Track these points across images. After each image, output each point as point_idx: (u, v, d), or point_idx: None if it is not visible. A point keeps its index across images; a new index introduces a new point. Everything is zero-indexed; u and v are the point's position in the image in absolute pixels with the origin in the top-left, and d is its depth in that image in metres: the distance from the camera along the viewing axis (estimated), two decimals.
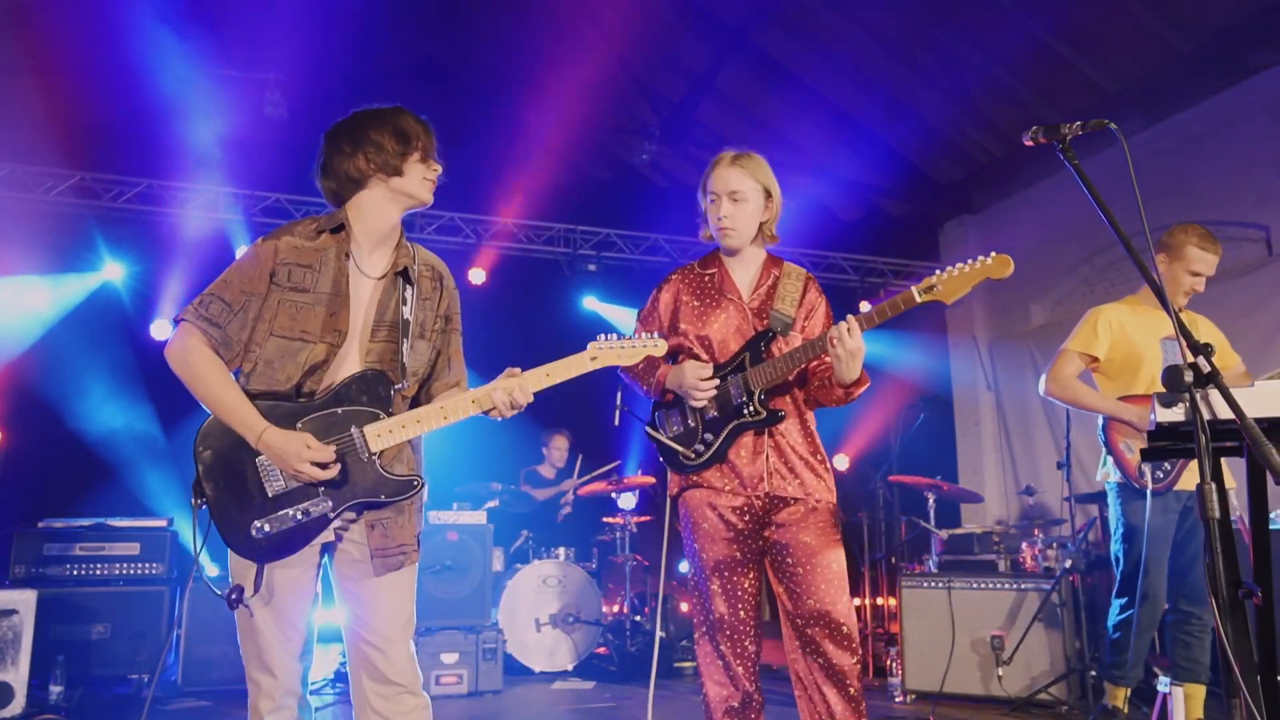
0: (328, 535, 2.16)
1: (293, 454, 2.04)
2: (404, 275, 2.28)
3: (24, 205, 6.50)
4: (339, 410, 2.14)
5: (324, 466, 2.08)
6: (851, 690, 2.52)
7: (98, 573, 5.05)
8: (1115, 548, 3.76)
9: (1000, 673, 4.58)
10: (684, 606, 6.71)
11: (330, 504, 2.12)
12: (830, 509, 2.63)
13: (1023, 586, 4.70)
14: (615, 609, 6.28)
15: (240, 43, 6.57)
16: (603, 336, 2.31)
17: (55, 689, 4.43)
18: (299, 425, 2.10)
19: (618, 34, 7.03)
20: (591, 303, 8.25)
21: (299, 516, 2.10)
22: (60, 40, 6.38)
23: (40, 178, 6.54)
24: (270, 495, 2.10)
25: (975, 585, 4.80)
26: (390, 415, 2.17)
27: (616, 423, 5.71)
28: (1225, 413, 1.79)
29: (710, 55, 7.45)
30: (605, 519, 6.54)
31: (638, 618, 6.07)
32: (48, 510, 5.21)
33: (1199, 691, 3.57)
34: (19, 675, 4.17)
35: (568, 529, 6.91)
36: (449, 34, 7.28)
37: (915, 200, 8.37)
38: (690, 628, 6.49)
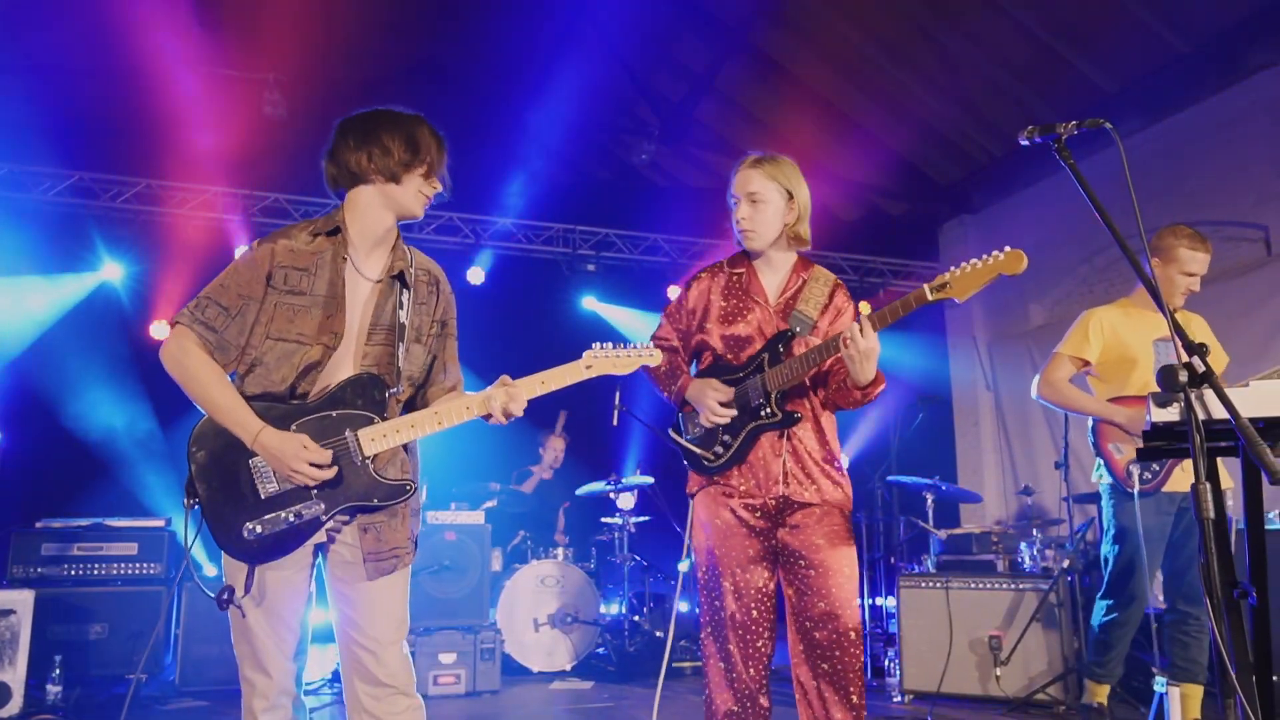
0: (320, 537, 2.16)
1: (290, 455, 2.04)
2: (400, 279, 2.27)
3: (23, 205, 6.50)
4: (334, 413, 2.13)
5: (320, 468, 2.08)
6: (854, 699, 2.51)
7: (95, 573, 5.04)
8: (1105, 549, 3.78)
9: (998, 673, 4.58)
10: (683, 606, 6.71)
11: (323, 507, 2.12)
12: (844, 514, 2.62)
13: (1021, 587, 4.70)
14: (613, 609, 6.28)
15: (239, 42, 6.57)
16: (598, 345, 2.30)
17: (53, 689, 4.43)
18: (293, 427, 2.10)
19: (617, 34, 7.04)
20: (590, 303, 8.24)
21: (291, 519, 2.10)
22: (59, 40, 6.38)
23: (39, 177, 6.55)
24: (263, 497, 2.10)
25: (973, 585, 4.79)
26: (384, 419, 2.17)
27: (615, 423, 5.74)
28: (1221, 413, 1.78)
29: (710, 55, 7.45)
30: (604, 519, 6.54)
31: (636, 618, 6.06)
32: (45, 510, 5.21)
33: (1197, 692, 3.58)
34: (16, 675, 4.18)
35: (568, 526, 6.91)
36: (448, 33, 7.28)
37: (915, 200, 8.37)
38: (690, 628, 6.49)
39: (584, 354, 2.28)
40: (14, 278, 6.48)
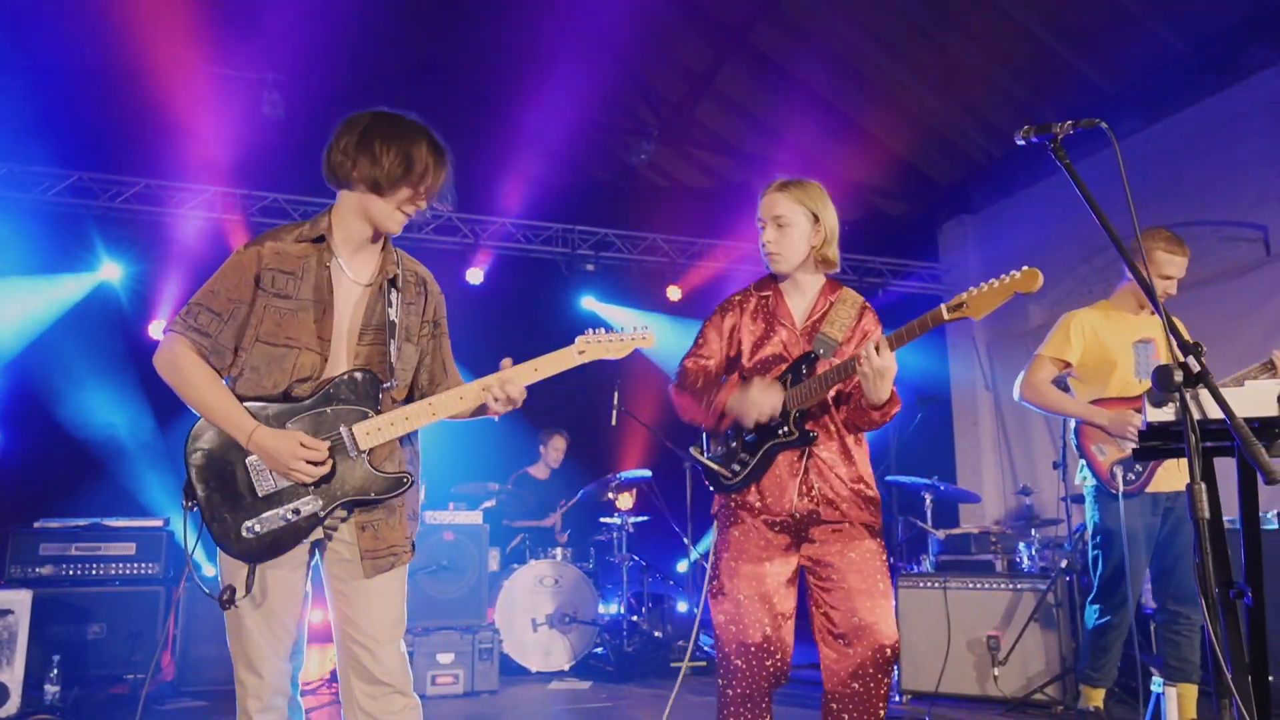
0: (317, 534, 2.16)
1: (286, 452, 2.05)
2: (391, 281, 2.27)
3: (21, 205, 6.50)
4: (328, 410, 2.14)
5: (316, 464, 2.08)
6: (880, 713, 2.51)
7: (93, 573, 5.04)
8: (1092, 552, 3.80)
9: (996, 673, 4.58)
10: (681, 606, 6.71)
11: (320, 502, 2.12)
12: (873, 532, 2.59)
13: (1019, 587, 4.70)
14: (612, 609, 6.28)
15: (238, 42, 6.57)
16: (590, 331, 2.30)
17: (51, 689, 4.43)
18: (288, 425, 2.11)
19: (617, 33, 7.03)
20: (590, 303, 8.24)
21: (289, 515, 2.10)
22: (59, 40, 6.38)
23: (38, 177, 6.54)
24: (260, 495, 2.11)
25: (971, 585, 4.79)
26: (379, 414, 2.17)
27: (614, 422, 5.74)
28: (1216, 413, 1.78)
29: (709, 55, 7.45)
30: (602, 519, 6.54)
31: (634, 618, 6.06)
32: (44, 510, 5.20)
33: (1191, 691, 3.59)
34: (14, 675, 4.18)
35: (565, 526, 6.91)
36: (447, 33, 7.28)
37: (914, 200, 8.37)
38: (689, 629, 6.50)
39: (576, 339, 2.29)
40: (13, 277, 6.48)
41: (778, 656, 2.58)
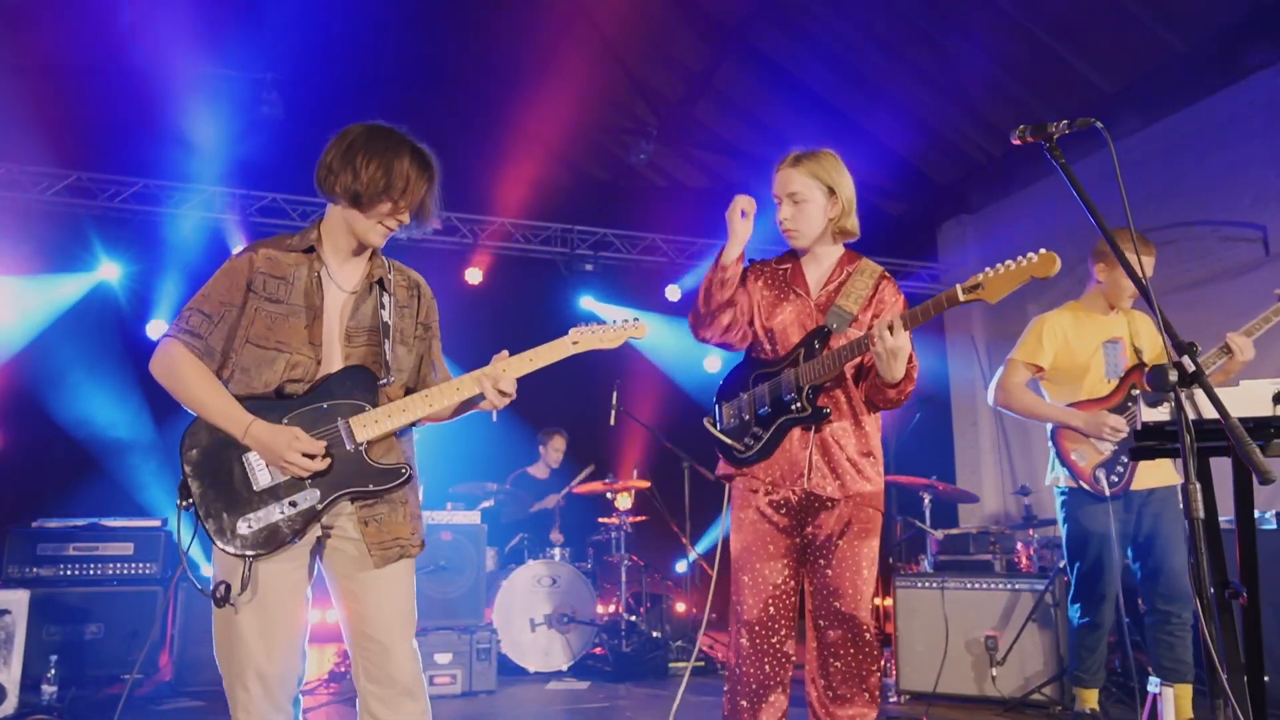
0: (316, 530, 2.15)
1: (282, 444, 2.05)
2: (380, 284, 2.29)
3: (20, 205, 6.50)
4: (324, 404, 2.15)
5: (313, 457, 2.08)
6: (865, 696, 2.53)
7: (91, 573, 5.03)
8: (1067, 554, 3.82)
9: (994, 673, 4.57)
10: (680, 607, 6.71)
11: (318, 495, 2.12)
12: (872, 510, 2.61)
13: (1016, 587, 4.69)
14: (610, 609, 6.27)
15: (237, 42, 6.57)
16: (583, 324, 2.35)
17: (48, 689, 4.42)
18: (285, 420, 2.11)
19: (616, 33, 7.03)
20: (588, 303, 8.23)
21: (287, 509, 2.10)
22: (57, 39, 6.38)
23: (36, 177, 6.54)
24: (257, 489, 2.10)
25: (969, 585, 4.79)
26: (375, 407, 2.18)
27: (613, 423, 5.74)
28: (1211, 412, 1.78)
29: (708, 55, 7.45)
30: (600, 519, 6.54)
31: (633, 618, 6.06)
32: (41, 510, 5.20)
33: (1186, 690, 3.60)
34: (12, 675, 4.17)
35: (565, 527, 6.91)
36: (446, 33, 7.27)
37: (913, 200, 8.36)
38: (686, 629, 6.50)
39: (570, 330, 2.33)
40: (11, 277, 6.48)
41: (782, 634, 2.61)
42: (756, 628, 2.59)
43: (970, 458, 8.04)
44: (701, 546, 7.36)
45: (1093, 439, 3.61)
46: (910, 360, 2.46)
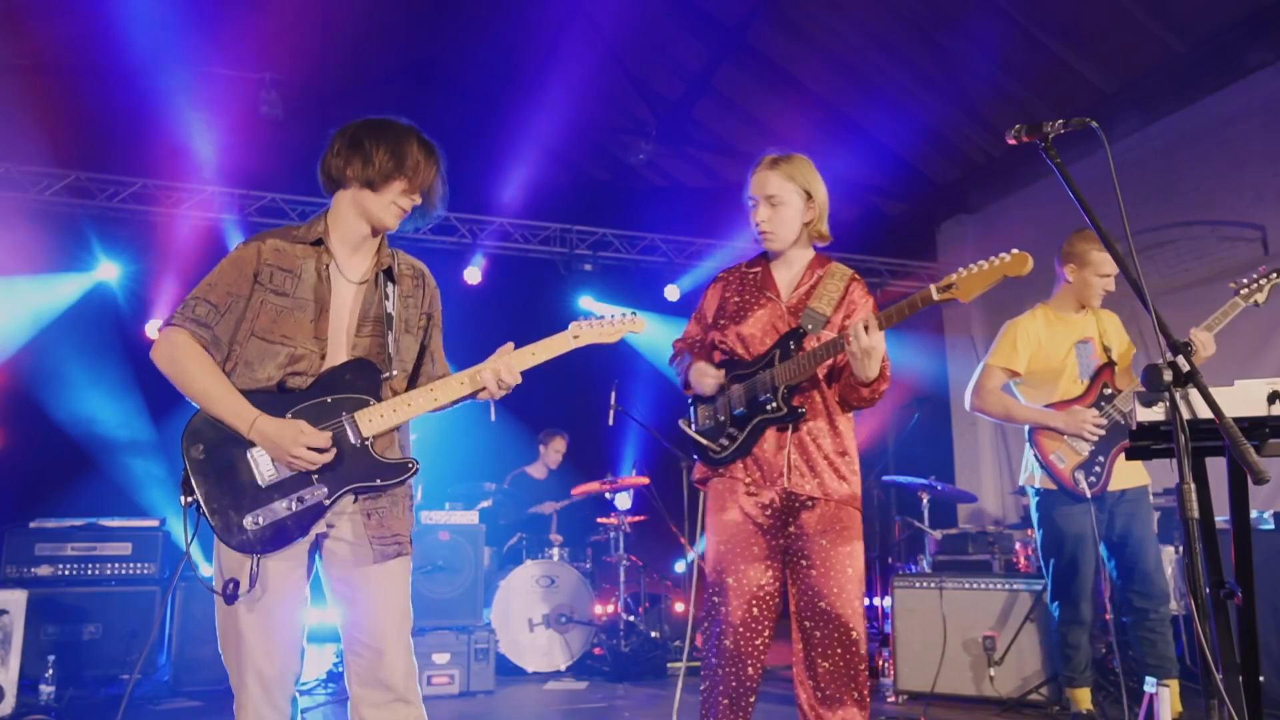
0: (318, 527, 2.14)
1: (288, 439, 2.04)
2: (387, 274, 2.29)
3: (19, 204, 6.50)
4: (328, 399, 2.14)
5: (319, 452, 2.07)
6: (854, 695, 2.53)
7: (89, 573, 5.04)
8: (1043, 555, 3.84)
9: (992, 673, 4.57)
10: (679, 607, 6.70)
11: (325, 490, 2.11)
12: (852, 510, 2.63)
13: (1014, 587, 4.69)
14: (609, 609, 6.27)
15: (236, 42, 6.57)
16: (582, 318, 2.38)
17: (46, 689, 4.43)
18: (289, 414, 2.10)
19: (615, 33, 7.03)
20: (588, 302, 8.23)
21: (293, 505, 2.09)
22: (56, 39, 6.38)
23: (35, 177, 6.55)
24: (263, 485, 2.09)
25: (967, 585, 4.78)
26: (380, 401, 2.18)
27: (611, 423, 5.73)
28: (1206, 412, 1.78)
29: (707, 55, 7.44)
30: (599, 519, 6.53)
31: (631, 618, 6.05)
32: (39, 510, 5.20)
33: (1173, 686, 3.61)
34: (9, 675, 4.17)
35: (563, 527, 6.90)
36: (445, 33, 7.27)
37: (912, 200, 8.35)
38: (686, 628, 6.48)
39: (570, 325, 2.36)
40: (10, 277, 6.48)
41: (764, 635, 2.61)
42: (740, 629, 2.59)
43: (969, 458, 8.03)
44: (701, 546, 7.35)
45: (1069, 438, 3.64)
46: (883, 359, 2.49)
